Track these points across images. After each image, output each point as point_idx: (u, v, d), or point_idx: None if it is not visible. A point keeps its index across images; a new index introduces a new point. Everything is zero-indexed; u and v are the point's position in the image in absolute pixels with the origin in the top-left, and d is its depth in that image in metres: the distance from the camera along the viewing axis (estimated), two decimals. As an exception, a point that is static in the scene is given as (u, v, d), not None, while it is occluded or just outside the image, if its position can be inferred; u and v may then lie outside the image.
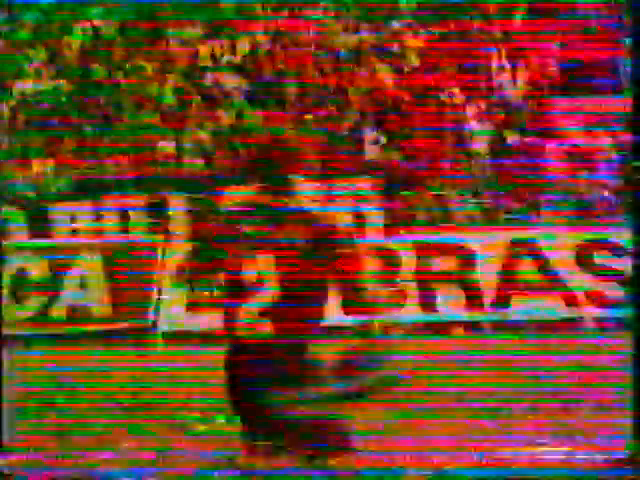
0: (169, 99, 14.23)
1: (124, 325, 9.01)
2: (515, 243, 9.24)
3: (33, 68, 15.29)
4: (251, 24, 15.32)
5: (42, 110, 14.44)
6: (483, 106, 12.97)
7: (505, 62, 13.68)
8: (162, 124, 13.61)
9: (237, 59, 14.82)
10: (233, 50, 15.00)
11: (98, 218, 10.24)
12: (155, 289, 9.09)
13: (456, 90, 13.21)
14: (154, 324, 9.03)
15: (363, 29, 14.79)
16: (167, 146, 13.07)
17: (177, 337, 8.91)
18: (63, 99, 14.68)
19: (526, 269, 9.05)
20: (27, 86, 14.93)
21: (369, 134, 12.71)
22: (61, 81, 15.05)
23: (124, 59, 15.22)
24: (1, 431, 3.74)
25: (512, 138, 12.32)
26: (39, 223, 10.19)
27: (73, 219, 10.26)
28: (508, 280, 9.10)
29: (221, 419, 4.45)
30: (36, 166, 13.18)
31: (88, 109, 14.31)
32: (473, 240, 9.31)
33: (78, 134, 13.85)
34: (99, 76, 14.99)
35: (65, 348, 8.08)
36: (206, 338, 8.33)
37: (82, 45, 15.68)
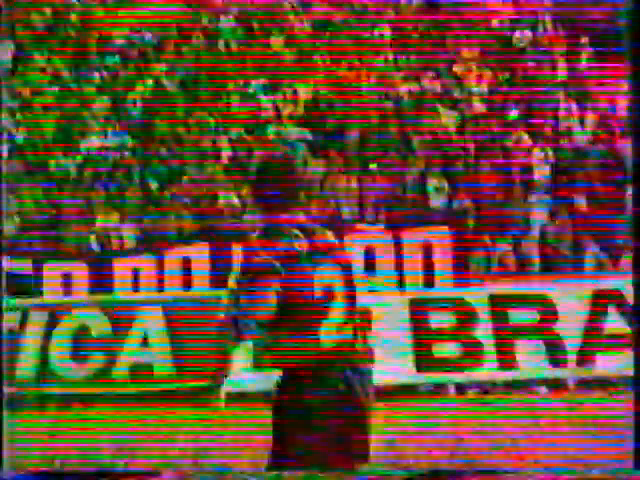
0: (231, 152, 14.21)
1: (187, 385, 8.73)
2: (599, 293, 8.68)
3: (98, 124, 15.49)
4: (312, 75, 15.30)
5: (107, 165, 14.57)
6: (551, 152, 12.59)
7: (573, 106, 13.32)
8: (225, 177, 13.58)
9: (299, 111, 14.77)
10: (295, 102, 14.96)
11: (161, 272, 10.05)
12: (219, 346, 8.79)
13: (523, 135, 12.87)
14: (219, 383, 8.70)
15: (424, 76, 14.62)
16: (230, 197, 12.99)
17: (242, 399, 8.50)
18: (127, 154, 14.80)
19: (612, 320, 8.48)
20: (92, 142, 15.11)
21: (434, 182, 12.43)
22: (125, 136, 15.20)
23: (186, 113, 15.32)
24: None
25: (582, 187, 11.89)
26: (101, 277, 10.06)
27: (136, 273, 10.09)
28: (593, 333, 8.53)
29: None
30: (100, 220, 13.23)
31: (151, 163, 14.39)
32: (553, 290, 8.80)
33: (142, 188, 13.91)
34: (162, 131, 15.10)
35: (125, 412, 7.80)
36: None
37: (145, 100, 15.84)
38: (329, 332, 3.29)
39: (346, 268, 3.40)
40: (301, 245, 3.34)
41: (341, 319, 3.32)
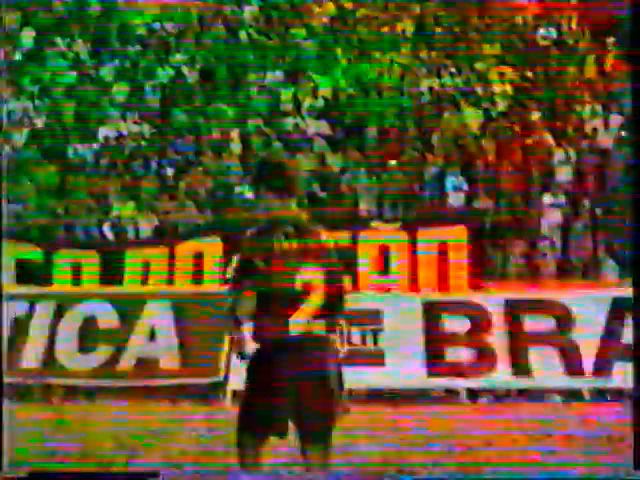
0: (248, 144, 14.07)
1: (193, 380, 8.59)
2: (617, 301, 8.39)
3: (116, 112, 15.40)
4: (332, 69, 15.14)
5: (124, 154, 14.47)
6: (574, 153, 12.37)
7: (597, 106, 13.08)
8: (241, 168, 13.46)
9: (318, 104, 14.61)
10: (314, 95, 14.80)
11: (172, 265, 9.87)
12: (227, 342, 8.62)
13: (545, 136, 12.66)
14: (225, 380, 8.54)
15: (446, 73, 14.41)
16: (245, 190, 12.86)
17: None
18: (144, 143, 14.70)
19: (631, 330, 8.20)
20: (110, 131, 15.03)
21: (453, 181, 12.25)
22: (143, 125, 15.09)
23: (205, 104, 15.20)
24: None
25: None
26: (112, 268, 9.91)
27: (146, 265, 9.91)
28: (611, 343, 8.26)
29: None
30: (116, 209, 13.14)
31: (168, 153, 14.28)
32: (570, 297, 8.54)
33: (158, 178, 13.80)
34: (180, 121, 14.99)
35: (129, 407, 7.65)
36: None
37: (163, 90, 15.73)
38: (297, 323, 3.58)
39: (331, 269, 3.65)
40: (291, 245, 3.58)
41: (312, 313, 3.60)
